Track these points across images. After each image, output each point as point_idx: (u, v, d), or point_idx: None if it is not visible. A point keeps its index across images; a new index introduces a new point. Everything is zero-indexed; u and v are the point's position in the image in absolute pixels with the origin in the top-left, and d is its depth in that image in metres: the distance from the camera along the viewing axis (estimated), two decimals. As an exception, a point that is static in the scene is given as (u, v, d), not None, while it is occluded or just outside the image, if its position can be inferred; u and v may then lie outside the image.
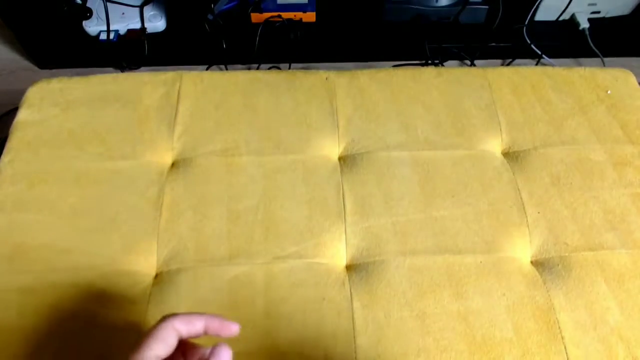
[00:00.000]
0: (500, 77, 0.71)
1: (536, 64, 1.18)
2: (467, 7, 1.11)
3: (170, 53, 1.17)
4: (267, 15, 1.12)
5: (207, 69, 1.16)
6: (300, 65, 1.17)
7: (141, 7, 1.14)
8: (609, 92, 0.70)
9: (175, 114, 0.66)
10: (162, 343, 0.35)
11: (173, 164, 0.63)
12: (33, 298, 0.52)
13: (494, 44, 1.16)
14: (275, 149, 0.63)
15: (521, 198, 0.60)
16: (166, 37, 1.16)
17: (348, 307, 0.52)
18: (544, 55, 1.17)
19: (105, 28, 1.11)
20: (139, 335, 0.48)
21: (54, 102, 0.67)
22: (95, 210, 0.58)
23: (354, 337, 0.50)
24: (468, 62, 1.19)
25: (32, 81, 0.70)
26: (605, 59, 1.17)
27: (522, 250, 0.57)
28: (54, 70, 1.19)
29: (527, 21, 1.14)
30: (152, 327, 0.36)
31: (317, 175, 0.61)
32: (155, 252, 0.56)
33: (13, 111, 0.68)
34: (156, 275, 0.55)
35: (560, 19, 1.15)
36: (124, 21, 1.13)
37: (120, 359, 0.33)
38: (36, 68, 1.20)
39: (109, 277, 0.54)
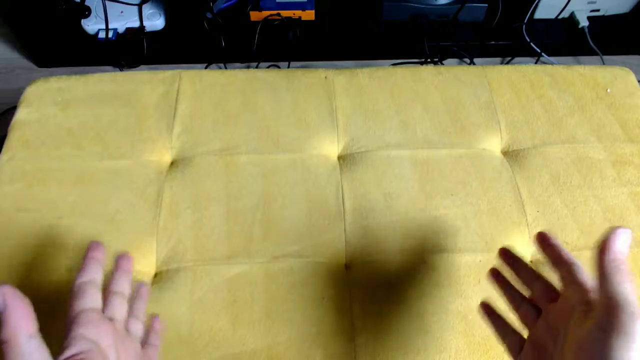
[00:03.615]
0: (499, 76, 0.71)
1: (535, 62, 1.18)
2: (466, 5, 1.10)
3: (169, 51, 1.16)
4: (266, 13, 1.12)
5: (206, 68, 1.16)
6: (300, 63, 1.17)
7: (140, 6, 1.14)
8: (608, 90, 0.70)
9: (174, 113, 0.66)
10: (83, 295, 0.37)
11: (172, 163, 0.63)
12: (32, 298, 0.51)
13: (493, 42, 1.16)
14: (274, 148, 0.63)
15: (520, 197, 0.60)
16: (165, 36, 1.16)
17: (347, 306, 0.52)
18: (543, 54, 1.17)
19: (103, 26, 1.10)
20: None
21: (53, 101, 0.67)
22: (94, 210, 0.58)
23: (354, 336, 0.50)
24: (467, 60, 1.19)
25: (31, 80, 0.70)
26: (605, 57, 1.17)
27: (521, 249, 0.57)
28: (52, 69, 1.19)
29: (526, 19, 1.14)
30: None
31: (317, 174, 0.61)
32: (154, 251, 0.56)
33: (11, 110, 0.68)
34: (155, 275, 0.55)
35: (560, 17, 1.15)
36: (123, 19, 1.13)
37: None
38: (35, 66, 1.20)
39: (107, 277, 0.53)
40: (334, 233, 0.57)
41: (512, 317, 0.41)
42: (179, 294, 0.52)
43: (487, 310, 0.43)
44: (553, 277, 0.38)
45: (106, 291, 0.40)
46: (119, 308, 0.40)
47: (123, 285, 0.43)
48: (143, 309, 0.45)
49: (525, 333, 0.39)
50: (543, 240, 0.39)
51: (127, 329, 0.41)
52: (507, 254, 0.43)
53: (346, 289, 0.53)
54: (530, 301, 0.39)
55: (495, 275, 0.43)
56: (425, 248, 0.56)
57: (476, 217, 0.58)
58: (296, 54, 1.16)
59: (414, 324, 0.51)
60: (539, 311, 0.38)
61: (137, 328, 0.42)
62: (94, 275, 0.39)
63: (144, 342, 0.43)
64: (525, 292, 0.40)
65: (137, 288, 0.46)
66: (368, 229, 0.57)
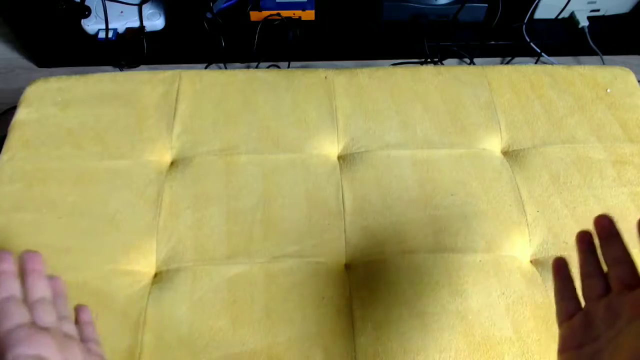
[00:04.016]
0: (499, 76, 0.71)
1: (535, 62, 1.18)
2: (466, 5, 1.10)
3: (169, 52, 1.16)
4: (266, 13, 1.12)
5: (206, 68, 1.16)
6: (300, 63, 1.17)
7: (140, 6, 1.14)
8: (608, 90, 0.70)
9: (174, 113, 0.66)
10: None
11: (172, 163, 0.63)
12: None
13: (493, 42, 1.16)
14: (275, 148, 0.63)
15: (520, 197, 0.60)
16: (165, 36, 1.16)
17: (347, 306, 0.52)
18: (543, 54, 1.16)
19: (103, 26, 1.10)
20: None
21: (53, 101, 0.67)
22: (94, 210, 0.58)
23: (354, 336, 0.50)
24: (467, 60, 1.19)
25: (31, 80, 0.70)
26: (605, 57, 1.16)
27: (521, 249, 0.57)
28: (52, 69, 1.19)
29: (526, 19, 1.14)
30: None
31: (317, 174, 0.61)
32: (154, 251, 0.56)
33: (11, 110, 0.68)
34: (155, 275, 0.55)
35: (560, 17, 1.15)
36: (123, 19, 1.13)
37: None
38: (35, 67, 1.20)
39: (108, 277, 0.54)
40: (334, 233, 0.57)
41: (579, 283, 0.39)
42: (179, 294, 0.52)
43: (559, 266, 0.41)
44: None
45: (27, 302, 0.37)
46: (48, 315, 0.37)
47: (41, 290, 0.39)
48: (66, 306, 0.42)
49: (583, 303, 0.37)
50: None
51: (64, 333, 0.38)
52: (607, 225, 0.38)
53: (346, 289, 0.53)
54: (604, 276, 0.37)
55: (583, 238, 0.40)
56: (425, 248, 0.56)
57: (476, 217, 0.58)
58: (296, 54, 1.16)
59: (414, 324, 0.51)
60: (608, 289, 0.36)
61: (72, 329, 0.40)
62: (9, 290, 0.36)
63: (82, 339, 0.41)
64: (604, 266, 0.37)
65: (51, 286, 0.42)
66: (368, 229, 0.57)
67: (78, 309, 0.45)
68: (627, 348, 0.30)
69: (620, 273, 0.35)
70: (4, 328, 0.33)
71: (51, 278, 0.43)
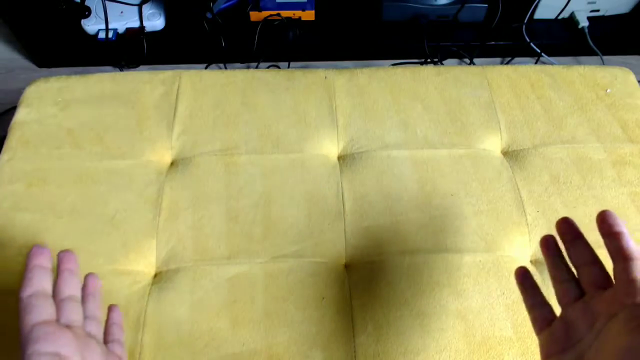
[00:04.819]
0: (499, 76, 0.71)
1: (535, 63, 1.18)
2: (466, 5, 1.10)
3: (169, 52, 1.16)
4: (266, 13, 1.12)
5: (206, 68, 1.16)
6: (300, 64, 1.17)
7: (140, 6, 1.14)
8: (608, 90, 0.70)
9: (174, 113, 0.66)
10: (34, 311, 0.35)
11: (172, 163, 0.63)
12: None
13: (493, 42, 1.16)
14: (274, 148, 0.63)
15: (520, 197, 0.60)
16: (165, 36, 1.16)
17: (347, 306, 0.52)
18: (543, 54, 1.16)
19: (103, 27, 1.10)
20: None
21: (53, 101, 0.67)
22: (94, 210, 0.58)
23: (353, 336, 0.50)
24: (467, 60, 1.19)
25: (31, 80, 0.70)
26: (605, 58, 1.17)
27: (521, 249, 0.57)
28: (52, 69, 1.19)
29: (526, 20, 1.14)
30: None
31: (317, 174, 0.61)
32: (154, 252, 0.56)
33: (11, 110, 0.68)
34: (155, 275, 0.55)
35: (560, 17, 1.15)
36: (123, 20, 1.13)
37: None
38: (34, 67, 1.20)
39: (108, 277, 0.54)
40: (334, 233, 0.57)
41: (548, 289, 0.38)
42: (179, 294, 0.52)
43: (523, 276, 0.40)
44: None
45: (56, 299, 0.38)
46: (73, 314, 0.38)
47: (72, 289, 0.40)
48: (97, 307, 0.43)
49: (558, 309, 0.37)
50: (605, 225, 0.34)
51: (87, 332, 0.38)
52: (569, 228, 0.38)
53: (346, 289, 0.53)
54: (575, 279, 0.36)
55: (547, 244, 0.39)
56: (425, 248, 0.56)
57: (476, 217, 0.58)
58: (296, 54, 1.16)
59: (414, 324, 0.51)
60: (581, 292, 0.35)
61: (96, 329, 0.40)
62: (41, 285, 0.36)
63: (107, 339, 0.42)
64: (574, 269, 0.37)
65: (86, 285, 0.43)
66: (368, 229, 0.57)
67: (110, 309, 0.46)
68: (611, 348, 0.30)
69: (590, 275, 0.35)
70: (27, 323, 0.34)
71: (89, 276, 0.45)
